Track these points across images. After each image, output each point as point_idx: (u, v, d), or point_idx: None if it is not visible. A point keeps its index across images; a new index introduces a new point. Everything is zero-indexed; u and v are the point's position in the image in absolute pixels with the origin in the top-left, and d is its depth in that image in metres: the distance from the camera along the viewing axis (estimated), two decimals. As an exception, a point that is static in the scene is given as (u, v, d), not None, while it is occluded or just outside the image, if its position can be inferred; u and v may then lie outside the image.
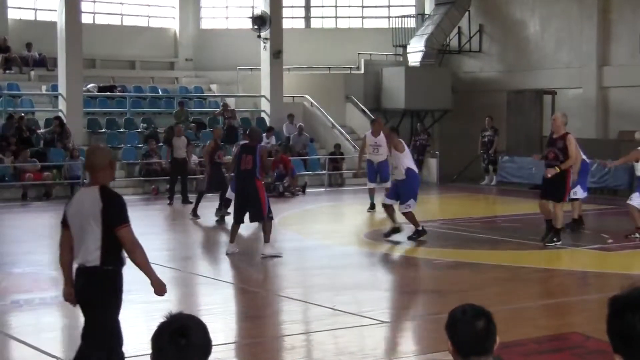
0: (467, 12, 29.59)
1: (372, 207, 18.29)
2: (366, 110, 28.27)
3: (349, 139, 27.05)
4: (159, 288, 6.09)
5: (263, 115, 27.42)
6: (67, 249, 6.07)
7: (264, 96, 27.41)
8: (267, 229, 12.95)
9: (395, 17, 31.29)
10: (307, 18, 31.33)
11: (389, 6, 31.76)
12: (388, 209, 14.38)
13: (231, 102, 27.75)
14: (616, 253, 13.50)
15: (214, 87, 29.15)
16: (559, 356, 7.76)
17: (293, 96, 28.05)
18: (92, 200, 5.87)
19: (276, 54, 26.67)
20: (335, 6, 31.67)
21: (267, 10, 26.44)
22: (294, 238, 15.37)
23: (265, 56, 26.92)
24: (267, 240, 12.94)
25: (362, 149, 18.58)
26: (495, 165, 25.39)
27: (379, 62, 29.90)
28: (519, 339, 7.77)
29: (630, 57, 23.83)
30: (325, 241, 14.99)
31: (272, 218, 13.26)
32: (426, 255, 13.35)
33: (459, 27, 29.94)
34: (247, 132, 14.56)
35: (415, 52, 29.15)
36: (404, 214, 14.13)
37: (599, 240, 14.44)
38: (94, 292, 5.92)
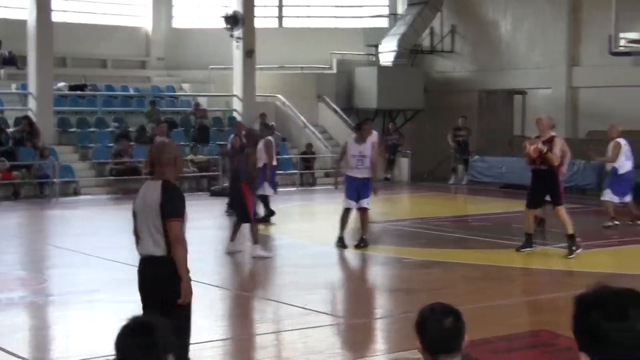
0: (439, 13, 29.71)
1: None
2: (338, 109, 28.31)
3: (320, 139, 27.08)
4: (186, 293, 6.13)
5: (235, 114, 27.36)
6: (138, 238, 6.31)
7: (236, 95, 27.36)
8: (254, 231, 12.94)
9: (368, 17, 31.36)
10: (280, 17, 31.30)
11: (361, 6, 31.80)
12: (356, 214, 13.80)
13: (203, 102, 27.67)
14: (585, 252, 13.59)
15: (186, 86, 29.04)
16: (529, 353, 7.82)
17: (265, 95, 28.02)
18: (155, 193, 6.14)
19: (249, 53, 26.63)
20: (308, 6, 31.67)
21: (240, 10, 26.39)
22: (265, 238, 15.35)
23: (237, 55, 26.87)
24: (255, 241, 12.94)
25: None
26: (467, 164, 25.52)
27: (352, 61, 29.93)
28: (489, 337, 7.81)
29: (599, 57, 24.02)
30: (297, 240, 14.99)
31: (260, 220, 13.23)
32: (397, 254, 13.39)
33: (432, 27, 30.07)
34: (244, 134, 14.44)
35: (387, 52, 29.23)
36: (363, 211, 13.71)
37: (553, 236, 14.51)
38: (161, 281, 6.08)
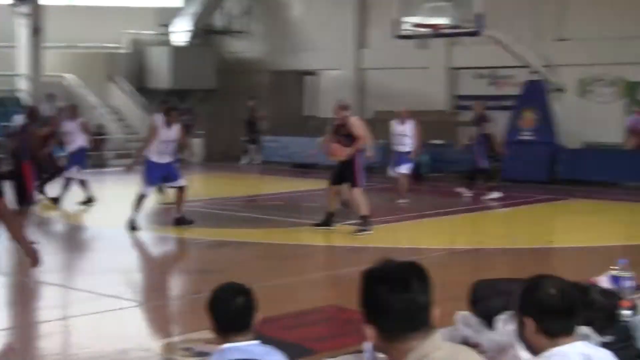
0: (232, -7, 29.73)
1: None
2: (130, 90, 27.82)
3: (112, 120, 26.51)
4: (34, 258, 6.28)
5: (22, 94, 26.25)
6: None
7: (21, 74, 26.24)
8: (27, 215, 12.52)
9: (160, -5, 30.91)
10: (69, -6, 30.23)
11: (153, -16, 31.28)
12: None
13: (-15, 81, 26.38)
14: (375, 227, 14.14)
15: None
16: (316, 328, 8.07)
17: (54, 75, 27.04)
18: None
19: (36, 31, 25.56)
20: (98, -18, 30.79)
21: (26, -15, 25.30)
22: (52, 221, 14.93)
23: (23, 33, 25.74)
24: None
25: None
26: (258, 144, 25.79)
27: (144, 41, 29.43)
28: (279, 314, 8.00)
29: (385, 40, 24.91)
30: (84, 223, 14.66)
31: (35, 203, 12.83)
32: (188, 235, 13.38)
33: (225, 7, 30.04)
34: (27, 112, 13.86)
35: (180, 32, 28.99)
36: (182, 189, 13.75)
37: (356, 216, 15.04)
38: None
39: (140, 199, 13.30)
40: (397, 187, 16.74)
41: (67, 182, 16.29)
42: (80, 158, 16.44)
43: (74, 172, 16.18)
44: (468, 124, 18.47)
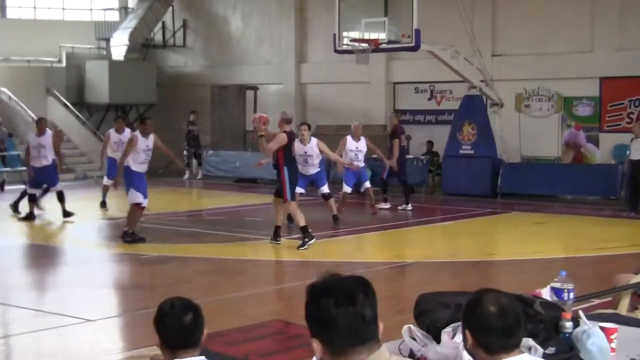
0: (170, 7, 29.66)
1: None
2: (68, 104, 27.52)
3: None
4: None
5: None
6: None
7: (-45, 88, 25.82)
8: None
9: (98, 9, 30.67)
10: (3, 7, 29.81)
11: (90, -2, 31.05)
12: None
13: None
14: (315, 242, 14.18)
15: None
16: (262, 343, 8.07)
17: (-11, 89, 26.66)
18: None
19: (-31, 45, 25.20)
20: (34, -4, 30.45)
21: (-42, -2, 24.89)
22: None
23: (-44, 46, 25.35)
24: None
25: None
26: (199, 159, 25.68)
27: (82, 55, 29.15)
28: (224, 329, 7.99)
29: (325, 55, 25.06)
30: (24, 240, 14.45)
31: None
32: (133, 250, 13.28)
33: (163, 22, 29.95)
34: None
35: (119, 46, 28.78)
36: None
37: (298, 230, 15.08)
38: None
39: (135, 213, 13.61)
40: (343, 202, 16.79)
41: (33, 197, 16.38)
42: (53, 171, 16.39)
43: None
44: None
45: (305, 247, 13.07)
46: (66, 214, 16.30)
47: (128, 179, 13.73)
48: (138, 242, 13.60)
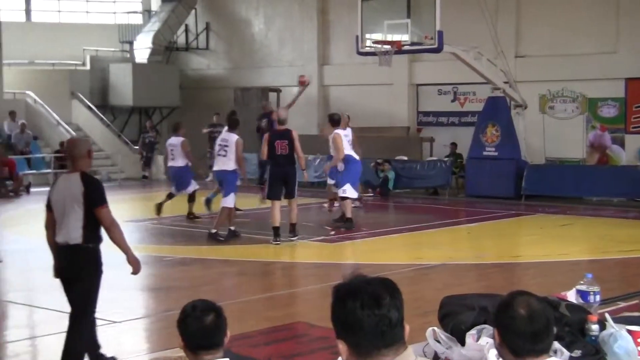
0: (193, 10, 29.78)
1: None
2: (93, 107, 27.67)
3: (75, 137, 26.34)
4: (135, 265, 6.98)
5: (-19, 111, 26.01)
6: (52, 230, 6.78)
7: (-19, 92, 26.03)
8: None
9: (122, 12, 30.84)
10: (28, 11, 30.04)
11: (114, 1, 31.21)
12: None
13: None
14: (338, 244, 14.19)
15: None
16: (286, 345, 8.08)
17: (14, 92, 26.83)
18: (74, 184, 6.57)
19: (-6, 48, 25.40)
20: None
21: (-17, 2, 25.11)
22: (16, 239, 14.79)
23: (-20, 50, 25.55)
24: None
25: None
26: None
27: (106, 58, 29.32)
28: (248, 332, 7.99)
29: (347, 57, 25.04)
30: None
31: None
32: (157, 252, 13.33)
33: (186, 25, 30.06)
34: None
35: (142, 49, 28.93)
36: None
37: (321, 232, 15.10)
38: (78, 268, 6.67)
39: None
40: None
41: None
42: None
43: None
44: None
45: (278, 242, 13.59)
46: (191, 214, 16.80)
47: (229, 183, 14.15)
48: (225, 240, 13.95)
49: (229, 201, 14.20)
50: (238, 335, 7.23)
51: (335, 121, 15.36)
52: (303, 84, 17.45)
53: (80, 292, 6.76)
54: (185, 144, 16.77)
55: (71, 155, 6.85)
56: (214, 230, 14.06)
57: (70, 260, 6.69)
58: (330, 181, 16.96)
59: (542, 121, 22.29)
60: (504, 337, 3.04)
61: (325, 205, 18.11)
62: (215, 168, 14.61)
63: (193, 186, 16.74)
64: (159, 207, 16.71)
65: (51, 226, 6.80)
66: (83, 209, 6.56)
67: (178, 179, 16.72)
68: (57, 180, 6.99)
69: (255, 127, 18.75)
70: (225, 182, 14.31)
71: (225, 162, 14.21)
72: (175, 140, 16.75)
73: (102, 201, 6.63)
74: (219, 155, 14.34)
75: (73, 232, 6.60)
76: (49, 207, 6.79)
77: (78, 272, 6.69)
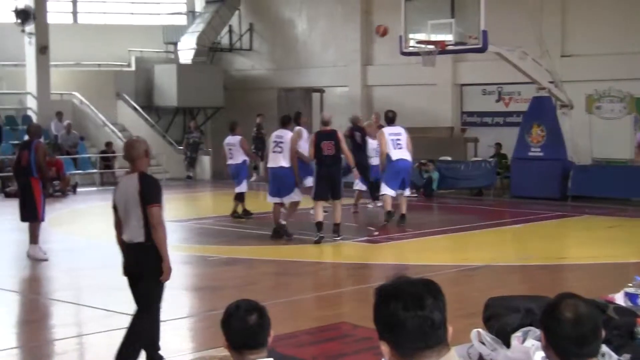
0: (237, 11, 29.91)
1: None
2: (138, 107, 27.92)
3: (120, 137, 26.59)
4: (167, 273, 6.98)
5: (30, 112, 26.37)
6: (119, 229, 7.03)
7: (30, 93, 26.37)
8: (36, 231, 12.57)
9: (166, 14, 31.08)
10: (75, 13, 30.41)
11: (159, 3, 31.47)
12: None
13: (-6, 100, 26.51)
14: (381, 245, 14.17)
15: (-26, 83, 27.70)
16: (330, 345, 8.08)
17: (61, 93, 27.18)
18: (133, 184, 6.82)
19: (42, 50, 25.73)
20: (104, 1, 30.97)
21: (31, 4, 25.45)
22: (64, 239, 14.97)
23: (30, 51, 25.90)
24: (35, 241, 12.57)
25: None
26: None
27: (150, 59, 29.58)
28: (292, 331, 8.01)
29: (391, 57, 24.97)
30: (96, 241, 14.68)
31: (43, 219, 12.88)
32: (200, 252, 13.41)
33: (230, 26, 30.21)
34: (27, 128, 14.23)
35: (186, 50, 29.13)
36: None
37: (365, 233, 15.08)
38: (142, 265, 6.89)
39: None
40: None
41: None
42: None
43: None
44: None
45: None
46: (245, 212, 17.06)
47: (291, 178, 14.29)
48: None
49: (295, 196, 14.31)
50: (282, 335, 7.24)
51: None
52: (385, 33, 17.28)
53: (144, 289, 6.98)
54: (245, 142, 17.18)
55: (129, 156, 7.02)
56: (283, 222, 14.36)
57: (135, 258, 6.93)
58: (362, 186, 17.35)
59: (589, 121, 22.01)
60: (550, 340, 3.01)
61: (370, 205, 18.16)
62: (270, 165, 14.61)
63: (244, 186, 16.87)
64: (239, 212, 16.98)
65: (118, 226, 7.03)
66: (141, 208, 6.76)
67: (236, 175, 16.91)
68: (119, 181, 7.22)
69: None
70: (286, 177, 14.29)
71: (282, 159, 14.27)
72: (232, 139, 16.97)
73: (155, 200, 6.82)
74: (274, 152, 14.40)
75: (136, 231, 6.83)
76: (115, 208, 7.02)
77: (142, 269, 6.91)
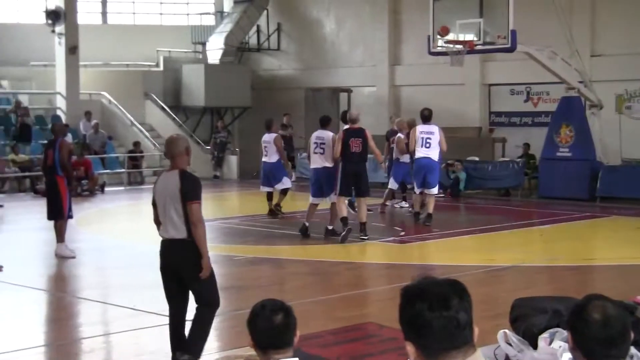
0: (265, 11, 29.96)
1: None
2: (166, 107, 28.05)
3: (148, 137, 26.73)
4: (207, 269, 6.91)
5: (59, 112, 26.58)
6: (159, 225, 7.03)
7: (59, 93, 26.58)
8: (62, 229, 12.66)
9: (194, 14, 31.20)
10: (104, 13, 30.62)
11: (187, 3, 31.60)
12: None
13: (24, 99, 26.70)
14: (408, 245, 14.13)
15: (5, 83, 27.90)
16: (355, 345, 8.06)
17: (90, 93, 27.36)
18: (173, 181, 6.85)
19: (72, 50, 25.92)
20: (133, 2, 31.15)
21: (62, 5, 25.65)
22: (92, 238, 15.07)
23: (60, 52, 26.10)
24: (62, 240, 12.66)
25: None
26: (293, 161, 25.80)
27: (179, 59, 29.71)
28: (318, 331, 8.00)
29: (418, 57, 24.90)
30: (124, 240, 14.77)
31: (71, 217, 12.96)
32: (227, 251, 13.43)
33: (258, 26, 30.27)
34: (52, 127, 14.39)
35: (214, 50, 29.22)
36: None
37: (392, 233, 15.06)
38: (189, 262, 6.86)
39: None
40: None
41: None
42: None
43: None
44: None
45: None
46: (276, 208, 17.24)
47: (333, 178, 14.23)
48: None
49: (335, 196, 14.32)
50: (308, 335, 7.24)
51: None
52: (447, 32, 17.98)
53: (201, 285, 6.96)
54: (279, 140, 17.19)
55: (170, 153, 7.04)
56: (330, 227, 14.34)
57: (178, 254, 6.90)
58: (394, 185, 17.59)
59: (619, 121, 21.83)
60: (578, 342, 2.98)
61: (396, 205, 18.14)
62: (313, 166, 14.61)
63: (287, 183, 17.01)
64: (274, 211, 17.15)
65: (158, 222, 7.05)
66: (181, 204, 6.78)
67: (271, 174, 16.96)
68: (158, 178, 7.23)
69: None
70: (330, 177, 14.28)
71: (325, 160, 14.27)
72: (268, 137, 17.08)
73: (195, 197, 6.84)
74: (316, 153, 14.39)
75: (177, 228, 6.84)
76: (154, 204, 7.04)
77: (190, 266, 6.87)
